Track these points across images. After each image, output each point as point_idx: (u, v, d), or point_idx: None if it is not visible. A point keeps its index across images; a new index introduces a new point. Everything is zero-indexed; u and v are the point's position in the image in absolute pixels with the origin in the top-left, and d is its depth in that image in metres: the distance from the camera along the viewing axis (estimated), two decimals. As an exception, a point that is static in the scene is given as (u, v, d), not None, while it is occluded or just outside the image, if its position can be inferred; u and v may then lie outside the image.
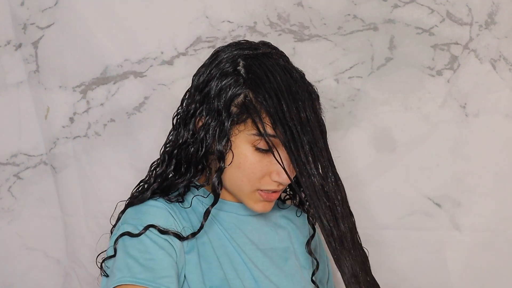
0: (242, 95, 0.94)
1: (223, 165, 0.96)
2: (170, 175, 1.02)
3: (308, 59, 1.28)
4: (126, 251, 0.91)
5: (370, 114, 1.30)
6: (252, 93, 0.93)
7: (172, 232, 0.93)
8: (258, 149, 0.95)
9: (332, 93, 1.30)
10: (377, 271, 1.34)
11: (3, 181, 1.34)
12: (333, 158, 0.96)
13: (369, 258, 1.33)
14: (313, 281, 1.07)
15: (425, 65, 1.28)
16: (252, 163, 0.95)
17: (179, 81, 1.28)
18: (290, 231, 1.10)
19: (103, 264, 0.98)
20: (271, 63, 0.96)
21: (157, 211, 0.96)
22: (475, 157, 1.28)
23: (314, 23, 1.28)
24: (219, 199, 1.02)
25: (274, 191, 0.98)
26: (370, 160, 1.31)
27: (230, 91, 0.94)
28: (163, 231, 0.93)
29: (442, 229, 1.30)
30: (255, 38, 1.27)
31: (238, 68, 0.96)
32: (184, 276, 0.94)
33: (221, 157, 0.95)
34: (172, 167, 1.01)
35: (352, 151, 1.31)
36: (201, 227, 0.96)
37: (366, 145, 1.30)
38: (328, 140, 1.30)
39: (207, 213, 0.97)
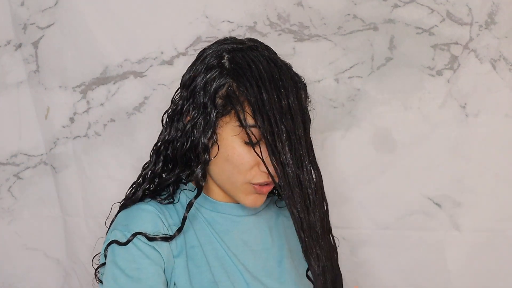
0: (225, 86, 0.94)
1: (207, 157, 0.96)
2: (160, 173, 1.02)
3: (308, 59, 1.28)
4: (114, 261, 0.93)
5: (370, 114, 1.30)
6: (234, 83, 0.94)
7: (160, 237, 0.94)
8: (246, 143, 0.94)
9: (332, 93, 1.30)
10: (377, 271, 1.34)
11: (3, 181, 1.34)
12: (313, 148, 0.96)
13: (369, 258, 1.34)
14: (308, 277, 1.07)
15: (425, 65, 1.28)
16: (240, 154, 0.94)
17: (179, 81, 1.27)
18: (286, 229, 1.10)
19: (97, 271, 0.99)
20: (255, 54, 0.96)
21: (146, 215, 0.96)
22: (475, 157, 1.28)
23: (314, 23, 1.28)
24: (213, 200, 1.02)
25: (266, 184, 0.98)
26: (370, 160, 1.31)
27: (214, 83, 0.95)
28: (150, 238, 0.93)
29: (442, 229, 1.30)
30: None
31: (222, 61, 0.96)
32: (174, 281, 0.95)
33: (205, 149, 0.96)
34: (161, 164, 1.02)
35: (352, 151, 1.31)
36: (184, 218, 0.96)
37: (366, 145, 1.30)
38: (328, 140, 1.30)
39: (189, 205, 0.97)
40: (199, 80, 0.97)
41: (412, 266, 1.32)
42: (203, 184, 0.97)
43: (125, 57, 1.29)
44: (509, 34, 1.26)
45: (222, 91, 0.94)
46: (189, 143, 0.97)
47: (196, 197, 0.97)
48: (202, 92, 0.96)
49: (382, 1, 1.27)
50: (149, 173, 1.03)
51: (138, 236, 0.93)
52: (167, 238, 0.94)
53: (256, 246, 1.03)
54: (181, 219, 0.98)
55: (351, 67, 1.29)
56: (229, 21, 1.28)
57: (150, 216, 0.96)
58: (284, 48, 1.26)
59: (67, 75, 1.30)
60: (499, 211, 1.29)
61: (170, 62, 1.29)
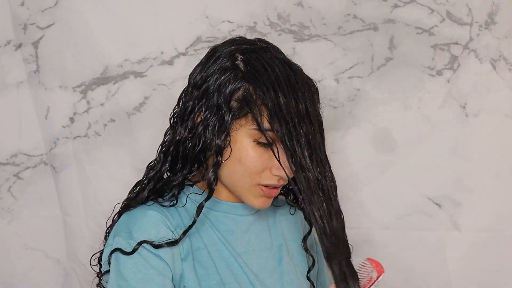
0: (242, 89, 0.93)
1: (220, 159, 0.95)
2: (165, 174, 1.01)
3: (308, 59, 1.28)
4: (119, 271, 0.91)
5: (370, 114, 1.30)
6: (251, 86, 0.93)
7: (166, 243, 0.92)
8: (259, 143, 0.94)
9: (332, 93, 1.30)
10: (377, 271, 1.34)
11: (3, 181, 1.34)
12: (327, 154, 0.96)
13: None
14: (308, 278, 1.07)
15: (425, 65, 1.28)
16: (253, 157, 0.94)
17: (179, 81, 1.28)
18: (283, 228, 1.10)
19: (101, 279, 0.99)
20: (269, 56, 0.96)
21: (149, 221, 0.94)
22: (475, 157, 1.28)
23: (314, 23, 1.28)
24: (216, 199, 1.02)
25: (275, 187, 0.98)
26: (370, 160, 1.31)
27: (230, 86, 0.94)
28: (156, 246, 0.92)
29: (442, 229, 1.30)
30: (255, 38, 1.27)
31: (236, 62, 0.95)
32: (184, 284, 0.94)
33: (219, 151, 0.95)
34: (167, 164, 1.00)
35: (352, 151, 1.31)
36: (194, 222, 0.95)
37: (366, 145, 1.30)
38: (327, 140, 1.30)
39: (200, 208, 0.95)
40: (212, 81, 0.96)
41: (412, 266, 1.32)
42: (215, 187, 0.96)
43: (125, 57, 1.29)
44: (509, 34, 1.26)
45: (238, 94, 0.94)
46: (201, 144, 0.96)
47: (206, 199, 0.96)
48: (216, 94, 0.95)
49: (382, 1, 1.27)
50: (155, 173, 1.01)
51: (143, 244, 0.91)
52: (173, 243, 0.93)
53: (258, 246, 1.03)
54: (184, 221, 0.97)
55: (351, 67, 1.29)
56: (229, 21, 1.28)
57: (153, 222, 0.94)
58: (284, 48, 1.25)
59: (67, 75, 1.30)
60: (499, 211, 1.29)
61: (170, 62, 1.29)
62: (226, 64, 0.96)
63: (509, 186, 1.28)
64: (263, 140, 0.94)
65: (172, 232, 0.95)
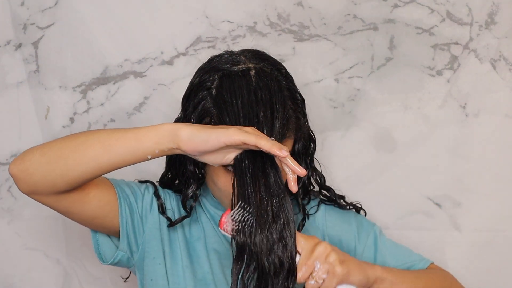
0: (209, 116, 0.93)
1: (193, 187, 0.99)
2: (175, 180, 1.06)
3: (308, 59, 1.28)
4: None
5: (370, 114, 1.30)
6: (216, 115, 0.91)
7: (166, 216, 0.99)
8: (228, 170, 0.92)
9: (332, 93, 1.30)
10: (377, 271, 1.33)
11: (3, 181, 1.34)
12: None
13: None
14: None
15: (425, 65, 1.28)
16: (225, 182, 0.93)
17: (179, 81, 1.29)
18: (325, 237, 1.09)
19: None
20: (240, 85, 0.92)
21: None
22: (475, 157, 1.28)
23: (314, 23, 1.28)
24: (215, 200, 1.03)
25: None
26: (370, 160, 1.31)
27: (200, 109, 0.93)
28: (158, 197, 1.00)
29: (442, 229, 1.30)
30: (255, 38, 1.27)
31: (212, 86, 0.94)
32: (164, 255, 0.99)
33: (192, 176, 0.98)
34: (169, 174, 1.05)
35: (352, 151, 1.31)
36: (174, 223, 1.00)
37: (366, 145, 1.30)
38: (327, 139, 1.30)
39: (176, 222, 1.00)
40: (191, 99, 0.96)
41: (412, 266, 1.32)
42: (193, 205, 1.00)
43: (125, 57, 1.29)
44: (509, 34, 1.26)
45: (206, 121, 0.93)
46: (180, 165, 1.00)
47: (183, 218, 1.00)
48: (191, 114, 0.94)
49: (382, 1, 1.27)
50: (165, 180, 1.07)
51: (149, 185, 1.02)
52: (170, 221, 0.99)
53: None
54: (181, 211, 1.02)
55: (351, 67, 1.29)
56: (229, 21, 1.28)
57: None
58: (284, 48, 1.26)
59: (67, 75, 1.30)
60: (499, 211, 1.29)
61: (170, 62, 1.29)
62: (204, 85, 0.95)
63: (509, 186, 1.29)
64: (230, 167, 0.91)
65: (172, 211, 1.02)
